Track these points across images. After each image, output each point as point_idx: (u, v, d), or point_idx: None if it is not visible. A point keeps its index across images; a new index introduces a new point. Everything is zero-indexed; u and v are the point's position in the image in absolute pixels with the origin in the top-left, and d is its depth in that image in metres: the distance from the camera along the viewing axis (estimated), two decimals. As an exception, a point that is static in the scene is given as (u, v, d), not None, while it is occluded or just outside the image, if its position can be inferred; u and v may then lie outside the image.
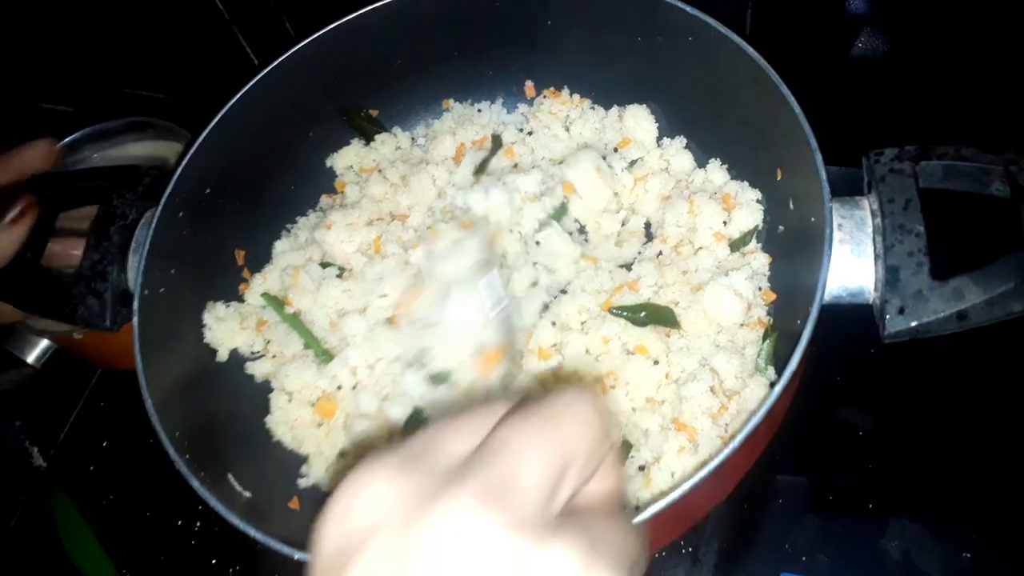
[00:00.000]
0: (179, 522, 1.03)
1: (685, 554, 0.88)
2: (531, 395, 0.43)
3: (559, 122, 1.02)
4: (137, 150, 1.14)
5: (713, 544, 0.88)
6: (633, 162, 0.98)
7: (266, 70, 0.91)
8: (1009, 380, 0.91)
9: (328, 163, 1.05)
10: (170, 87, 1.23)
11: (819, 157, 0.69)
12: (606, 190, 0.95)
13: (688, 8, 0.80)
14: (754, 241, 0.89)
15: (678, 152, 0.97)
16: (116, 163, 1.12)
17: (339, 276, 0.96)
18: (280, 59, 0.92)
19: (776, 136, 0.78)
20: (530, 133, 1.03)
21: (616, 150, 1.00)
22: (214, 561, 0.99)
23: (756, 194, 0.90)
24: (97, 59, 1.23)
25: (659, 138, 1.00)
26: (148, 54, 1.22)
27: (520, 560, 0.34)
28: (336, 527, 0.37)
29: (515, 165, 1.01)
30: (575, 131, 1.01)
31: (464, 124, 1.04)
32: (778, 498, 0.89)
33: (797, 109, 0.72)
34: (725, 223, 0.89)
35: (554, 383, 0.85)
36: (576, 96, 1.04)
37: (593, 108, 1.03)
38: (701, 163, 0.97)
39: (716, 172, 0.94)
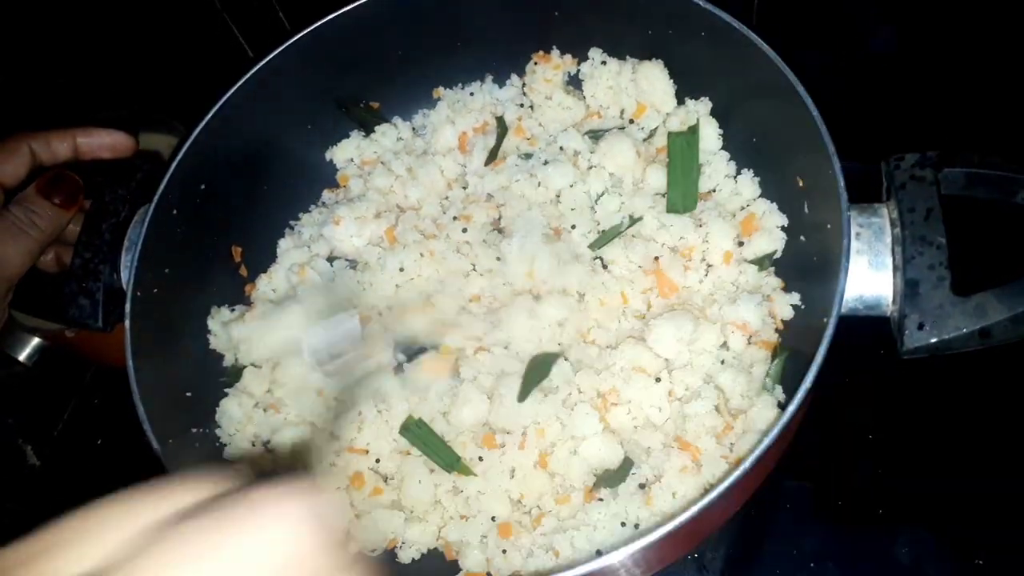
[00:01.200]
0: (176, 521, 1.01)
1: (691, 560, 0.86)
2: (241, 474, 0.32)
3: (558, 88, 0.97)
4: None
5: (720, 550, 0.87)
6: (652, 132, 0.93)
7: (261, 63, 0.89)
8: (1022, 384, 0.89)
9: (328, 156, 1.02)
10: (163, 78, 1.20)
11: (837, 163, 0.67)
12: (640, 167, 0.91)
13: (701, 2, 0.77)
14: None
15: (701, 120, 0.90)
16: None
17: (352, 268, 0.94)
18: (276, 51, 0.89)
19: (792, 138, 0.76)
20: (531, 107, 0.99)
21: (632, 121, 0.94)
22: (212, 561, 0.98)
23: (782, 220, 0.84)
24: (87, 50, 1.20)
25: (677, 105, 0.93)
26: (140, 44, 1.19)
27: None
28: None
29: (528, 139, 0.97)
30: (587, 93, 0.96)
31: (460, 112, 1.01)
32: (786, 503, 0.88)
33: (815, 111, 0.69)
34: (742, 244, 0.84)
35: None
36: (568, 56, 0.98)
37: (604, 63, 0.95)
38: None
39: (747, 184, 0.88)
